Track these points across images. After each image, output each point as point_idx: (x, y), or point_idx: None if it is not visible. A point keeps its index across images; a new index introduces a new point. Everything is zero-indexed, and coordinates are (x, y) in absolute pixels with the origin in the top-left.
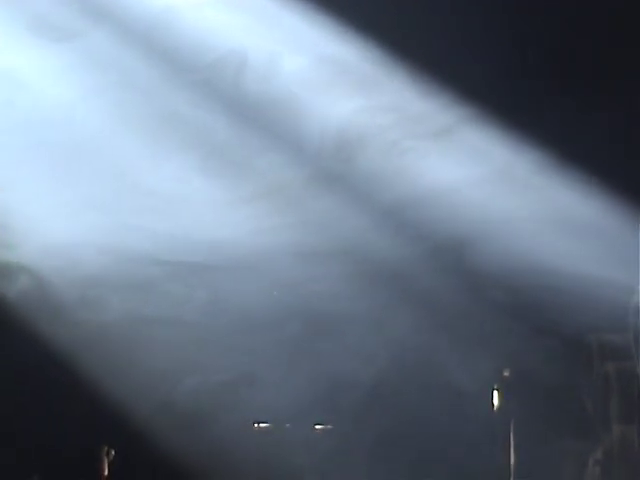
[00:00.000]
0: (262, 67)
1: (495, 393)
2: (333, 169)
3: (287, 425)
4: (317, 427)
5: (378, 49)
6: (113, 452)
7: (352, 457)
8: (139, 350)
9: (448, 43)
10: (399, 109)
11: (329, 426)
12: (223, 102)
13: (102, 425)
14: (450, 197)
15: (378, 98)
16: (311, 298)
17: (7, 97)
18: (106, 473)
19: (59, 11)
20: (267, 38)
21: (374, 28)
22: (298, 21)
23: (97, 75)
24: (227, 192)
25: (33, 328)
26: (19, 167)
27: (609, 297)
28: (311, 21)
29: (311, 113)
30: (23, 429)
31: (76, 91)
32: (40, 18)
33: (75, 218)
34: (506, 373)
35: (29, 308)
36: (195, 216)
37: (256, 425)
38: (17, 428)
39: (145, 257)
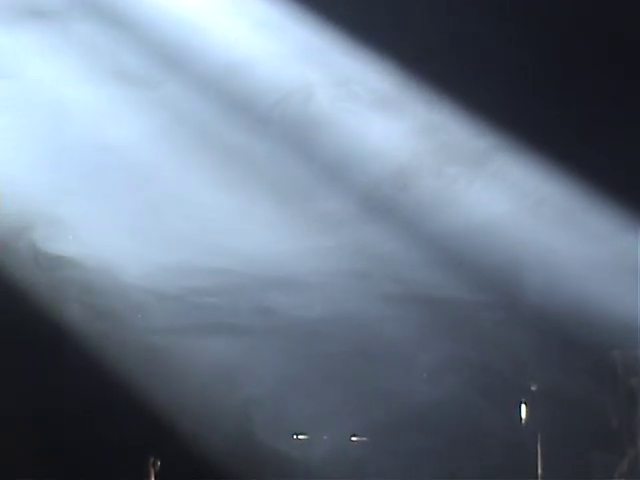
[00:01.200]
0: (313, 100)
1: (523, 407)
2: (381, 197)
3: (325, 437)
4: (353, 439)
5: (415, 77)
6: (159, 463)
7: (387, 469)
8: (187, 361)
9: (493, 70)
10: (440, 137)
11: (364, 438)
12: (280, 135)
13: (149, 435)
14: (495, 227)
15: (416, 125)
16: (360, 318)
17: (81, 134)
18: None
19: (127, 54)
20: (315, 72)
21: (410, 56)
22: (339, 53)
23: (162, 113)
24: (286, 220)
25: (86, 340)
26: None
27: (633, 313)
28: (354, 55)
29: (360, 141)
30: (69, 439)
31: (142, 129)
32: (112, 61)
33: (138, 242)
34: (533, 387)
35: (86, 318)
36: (253, 238)
37: (295, 437)
38: (63, 438)
39: (200, 270)
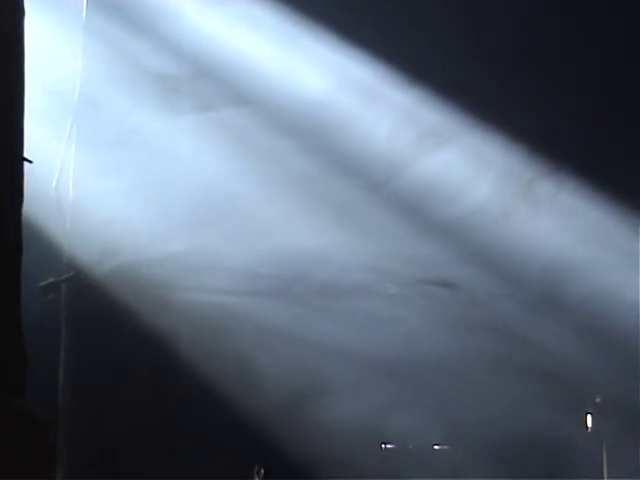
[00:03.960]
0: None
1: (589, 417)
2: (442, 222)
3: (410, 446)
4: (436, 447)
5: (459, 107)
6: (263, 471)
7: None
8: (284, 368)
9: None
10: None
11: (446, 447)
12: (344, 163)
13: (253, 444)
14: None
15: (465, 154)
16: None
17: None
18: None
19: (210, 92)
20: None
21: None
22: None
23: (243, 146)
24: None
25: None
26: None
27: None
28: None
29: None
30: (174, 447)
31: (224, 162)
32: (189, 95)
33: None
34: (598, 399)
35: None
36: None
37: (383, 446)
38: (167, 447)
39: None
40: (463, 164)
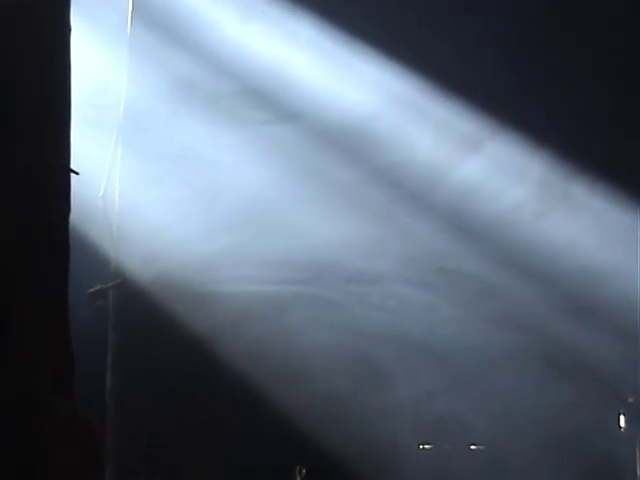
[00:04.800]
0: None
1: (621, 417)
2: (478, 224)
3: (447, 446)
4: (472, 447)
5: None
6: (305, 471)
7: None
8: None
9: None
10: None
11: (482, 447)
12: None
13: (295, 443)
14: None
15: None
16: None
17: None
18: None
19: (253, 103)
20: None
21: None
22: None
23: (284, 157)
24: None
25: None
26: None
27: None
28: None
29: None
30: (214, 447)
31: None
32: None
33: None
34: (630, 399)
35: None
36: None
37: (421, 446)
38: (207, 446)
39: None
40: (497, 170)
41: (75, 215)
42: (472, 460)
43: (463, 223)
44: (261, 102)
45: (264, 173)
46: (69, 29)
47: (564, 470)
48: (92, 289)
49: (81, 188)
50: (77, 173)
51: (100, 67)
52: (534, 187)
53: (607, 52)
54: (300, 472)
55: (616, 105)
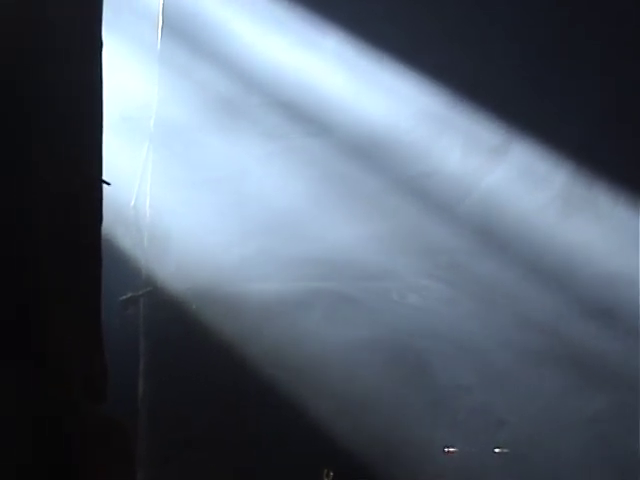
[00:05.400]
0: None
1: None
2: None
3: (472, 450)
4: (496, 450)
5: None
6: (332, 473)
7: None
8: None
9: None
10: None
11: (506, 450)
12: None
13: (322, 445)
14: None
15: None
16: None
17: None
18: None
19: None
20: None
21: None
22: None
23: (311, 168)
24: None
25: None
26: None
27: None
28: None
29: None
30: (242, 451)
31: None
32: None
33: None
34: None
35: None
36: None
37: (446, 450)
38: (236, 450)
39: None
40: (520, 176)
41: (107, 224)
42: (498, 462)
43: (488, 228)
44: (290, 115)
45: (293, 184)
46: (101, 45)
47: (591, 474)
48: (123, 297)
49: (113, 198)
50: (109, 184)
51: (131, 80)
52: (556, 192)
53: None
54: (328, 475)
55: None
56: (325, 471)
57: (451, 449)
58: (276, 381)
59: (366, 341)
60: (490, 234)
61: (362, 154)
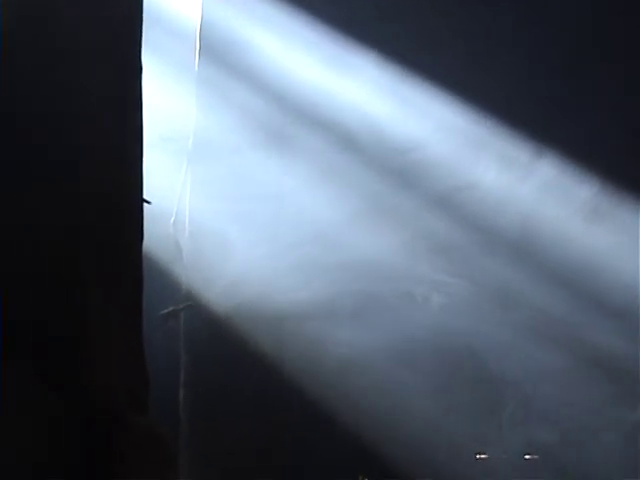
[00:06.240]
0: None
1: None
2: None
3: (504, 456)
4: (526, 457)
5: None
6: None
7: None
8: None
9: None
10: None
11: (536, 456)
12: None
13: (359, 453)
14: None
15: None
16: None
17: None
18: None
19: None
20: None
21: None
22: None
23: (342, 184)
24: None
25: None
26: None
27: None
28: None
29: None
30: (278, 461)
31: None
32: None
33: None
34: None
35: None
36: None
37: (477, 456)
38: (272, 459)
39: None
40: (546, 190)
41: (148, 241)
42: (528, 469)
43: (526, 247)
44: (323, 132)
45: (326, 199)
46: (140, 69)
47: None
48: (164, 311)
49: (153, 215)
50: (149, 202)
51: (169, 101)
52: (580, 204)
53: None
54: None
55: None
56: (360, 477)
57: (482, 455)
58: (313, 391)
59: (407, 343)
60: (524, 247)
61: (393, 168)
